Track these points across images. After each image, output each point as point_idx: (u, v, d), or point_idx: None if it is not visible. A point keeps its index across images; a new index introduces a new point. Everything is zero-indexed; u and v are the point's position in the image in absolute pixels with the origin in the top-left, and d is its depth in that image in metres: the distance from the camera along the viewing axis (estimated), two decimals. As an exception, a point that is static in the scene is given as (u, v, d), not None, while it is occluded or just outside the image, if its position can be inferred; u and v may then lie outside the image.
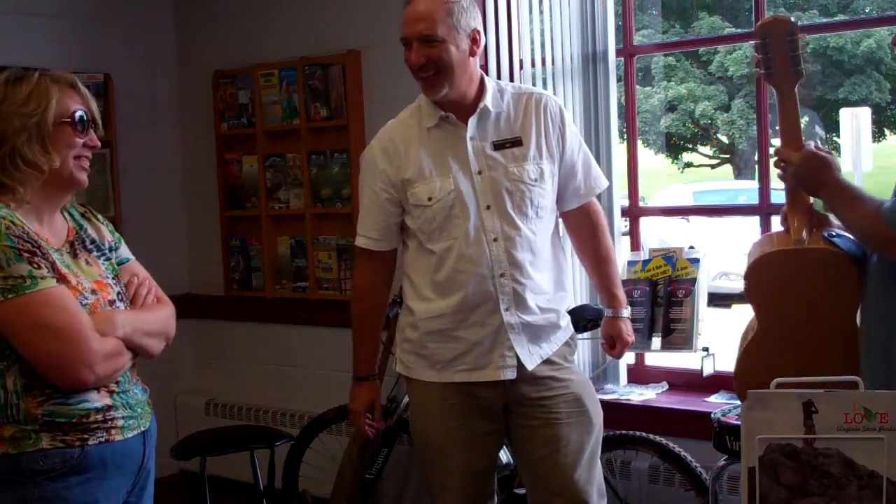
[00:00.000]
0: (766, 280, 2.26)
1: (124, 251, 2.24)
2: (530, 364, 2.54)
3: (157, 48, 4.55)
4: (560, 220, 2.72)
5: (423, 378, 2.62)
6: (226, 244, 4.44)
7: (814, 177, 2.18)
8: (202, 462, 3.43)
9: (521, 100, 2.59)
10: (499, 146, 2.54)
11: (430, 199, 2.51)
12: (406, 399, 3.56)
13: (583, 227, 2.71)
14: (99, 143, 2.10)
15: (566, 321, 2.64)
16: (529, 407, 2.57)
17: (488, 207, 2.51)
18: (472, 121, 2.53)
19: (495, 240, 2.51)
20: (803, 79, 2.27)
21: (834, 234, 2.22)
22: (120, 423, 2.03)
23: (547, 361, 2.58)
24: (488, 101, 2.54)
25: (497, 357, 2.53)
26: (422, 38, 2.44)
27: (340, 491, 3.70)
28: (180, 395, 4.57)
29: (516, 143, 2.54)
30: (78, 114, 2.03)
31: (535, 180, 2.54)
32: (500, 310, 2.51)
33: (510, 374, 2.53)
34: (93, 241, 2.15)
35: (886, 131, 18.06)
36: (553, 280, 2.60)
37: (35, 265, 1.91)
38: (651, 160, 18.51)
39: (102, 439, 1.99)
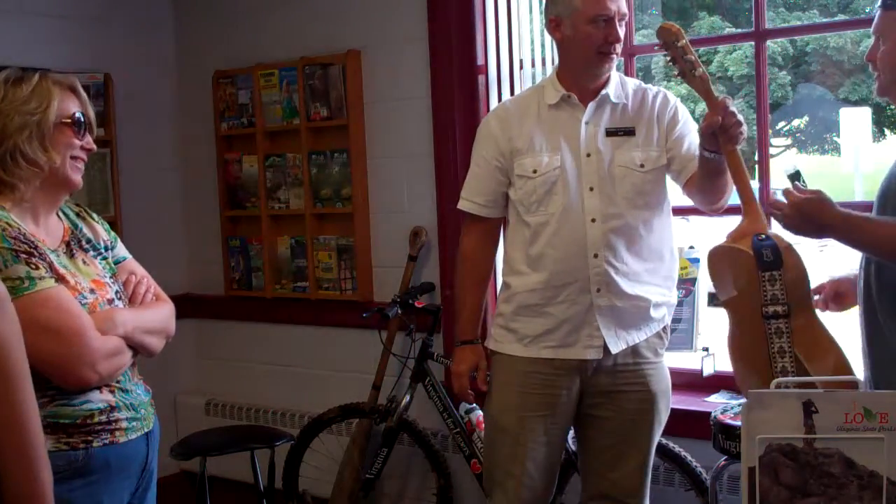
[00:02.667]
0: (712, 274, 2.35)
1: (121, 250, 2.24)
2: (615, 348, 2.57)
3: (157, 48, 4.54)
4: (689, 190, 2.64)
5: (508, 352, 2.65)
6: (226, 244, 4.44)
7: (813, 223, 2.11)
8: (202, 462, 3.43)
9: (637, 94, 2.65)
10: (611, 133, 2.60)
11: (534, 171, 2.58)
12: (407, 399, 3.57)
13: None
14: (95, 147, 2.11)
15: (660, 313, 2.64)
16: (602, 397, 2.61)
17: (591, 189, 2.56)
18: (591, 105, 2.60)
19: (593, 220, 2.55)
20: (707, 81, 2.33)
21: (762, 237, 2.22)
22: (123, 424, 2.03)
23: (634, 352, 2.60)
24: (611, 90, 2.61)
25: (584, 336, 2.56)
26: (622, 16, 2.53)
27: (340, 491, 3.70)
28: (180, 395, 4.57)
29: (629, 132, 2.60)
30: (77, 116, 2.04)
31: (641, 166, 2.58)
32: (591, 290, 2.54)
33: (595, 354, 2.56)
34: (88, 241, 2.15)
35: (886, 131, 18.05)
36: (651, 271, 2.60)
37: (33, 266, 1.91)
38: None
39: (106, 441, 1.99)
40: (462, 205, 2.74)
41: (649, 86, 2.69)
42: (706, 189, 2.55)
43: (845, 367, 2.14)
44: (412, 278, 3.76)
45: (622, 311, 2.56)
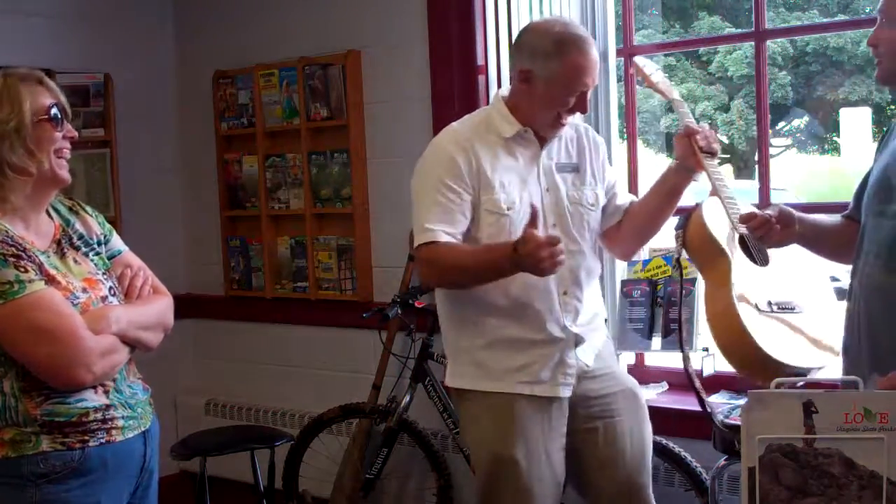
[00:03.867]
0: None
1: (116, 243, 2.21)
2: (590, 360, 2.61)
3: (157, 48, 4.54)
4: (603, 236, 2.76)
5: (481, 388, 2.56)
6: (226, 244, 4.44)
7: None
8: (202, 462, 3.43)
9: (574, 129, 2.66)
10: (560, 169, 2.60)
11: (509, 208, 2.50)
12: (407, 399, 3.57)
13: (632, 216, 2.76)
14: (76, 134, 2.07)
15: (600, 320, 2.72)
16: (593, 406, 2.60)
17: (554, 225, 2.55)
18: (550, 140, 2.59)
19: None
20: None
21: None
22: (120, 423, 2.02)
23: (599, 358, 2.64)
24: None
25: (558, 374, 2.55)
26: (594, 87, 2.56)
27: (340, 491, 3.70)
28: (180, 395, 4.57)
29: (575, 168, 2.62)
30: (52, 109, 2.00)
31: (592, 205, 2.63)
32: (566, 324, 2.54)
33: (566, 392, 2.56)
34: (80, 237, 2.12)
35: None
36: (593, 294, 2.68)
37: (22, 269, 1.89)
38: (651, 160, 18.50)
39: (103, 440, 1.99)
40: (431, 236, 2.44)
41: (576, 121, 2.68)
42: (650, 219, 2.68)
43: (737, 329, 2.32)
44: (412, 278, 3.76)
45: (587, 330, 2.59)
